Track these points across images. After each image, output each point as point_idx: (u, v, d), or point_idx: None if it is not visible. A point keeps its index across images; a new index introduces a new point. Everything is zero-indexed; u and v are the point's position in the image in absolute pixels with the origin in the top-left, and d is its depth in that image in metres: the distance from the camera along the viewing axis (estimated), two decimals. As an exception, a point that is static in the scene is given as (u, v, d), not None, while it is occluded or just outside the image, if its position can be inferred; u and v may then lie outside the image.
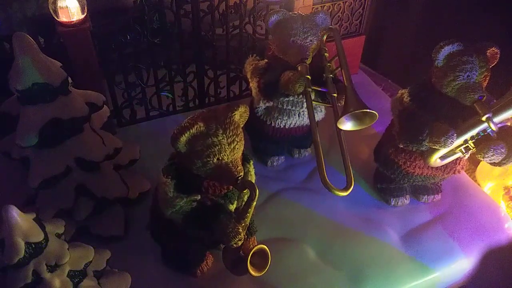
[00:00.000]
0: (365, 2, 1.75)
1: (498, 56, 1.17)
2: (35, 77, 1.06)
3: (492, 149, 1.08)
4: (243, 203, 1.04)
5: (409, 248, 1.29)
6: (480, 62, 1.12)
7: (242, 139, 0.97)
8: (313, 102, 1.23)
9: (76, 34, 1.38)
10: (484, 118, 1.08)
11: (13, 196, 1.27)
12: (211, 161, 0.93)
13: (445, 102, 1.17)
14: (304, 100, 1.30)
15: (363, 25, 1.82)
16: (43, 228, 0.89)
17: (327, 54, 1.31)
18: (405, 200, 1.41)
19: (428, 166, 1.25)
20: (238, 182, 0.95)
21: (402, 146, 1.27)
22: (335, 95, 1.21)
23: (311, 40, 1.28)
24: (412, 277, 1.24)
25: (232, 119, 0.95)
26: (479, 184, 1.55)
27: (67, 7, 1.35)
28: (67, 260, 0.91)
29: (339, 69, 1.23)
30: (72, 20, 1.37)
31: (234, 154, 0.94)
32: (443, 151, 1.17)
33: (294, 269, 1.23)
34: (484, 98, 1.10)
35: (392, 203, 1.40)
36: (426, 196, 1.41)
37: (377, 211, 1.40)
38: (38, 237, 0.87)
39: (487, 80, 1.15)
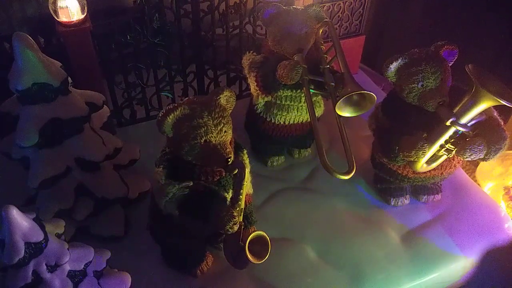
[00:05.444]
0: (365, 2, 1.75)
1: (456, 51, 1.16)
2: (35, 77, 1.06)
3: (468, 150, 1.08)
4: (235, 186, 1.03)
5: (409, 248, 1.29)
6: (431, 68, 1.12)
7: (230, 123, 0.97)
8: (310, 90, 1.24)
9: (76, 34, 1.38)
10: (448, 123, 1.09)
11: (13, 196, 1.27)
12: (198, 143, 0.93)
13: (415, 111, 1.17)
14: (303, 95, 1.31)
15: (363, 25, 1.82)
16: (43, 228, 0.89)
17: (323, 47, 1.32)
18: (405, 200, 1.41)
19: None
20: (229, 163, 0.95)
21: (385, 161, 1.28)
22: (332, 84, 1.22)
23: (306, 32, 1.29)
24: (412, 277, 1.24)
25: (217, 102, 0.96)
26: (479, 184, 1.55)
27: (67, 7, 1.35)
28: (67, 260, 0.91)
29: (335, 58, 1.24)
30: (72, 20, 1.37)
31: (222, 137, 0.95)
32: (424, 158, 1.16)
33: (294, 269, 1.23)
34: (446, 102, 1.10)
35: (392, 203, 1.40)
36: (426, 196, 1.41)
37: (377, 211, 1.40)
38: (38, 237, 0.87)
39: (447, 81, 1.14)
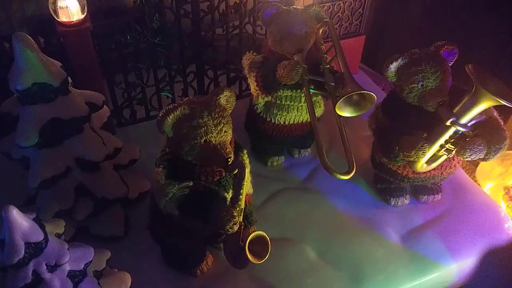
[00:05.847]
0: (365, 2, 1.75)
1: (456, 51, 1.16)
2: (35, 77, 1.06)
3: (468, 150, 1.08)
4: (235, 186, 1.03)
5: (409, 248, 1.29)
6: (431, 68, 1.11)
7: (230, 123, 0.97)
8: (311, 90, 1.24)
9: (76, 34, 1.38)
10: (448, 123, 1.09)
11: (13, 196, 1.27)
12: (198, 143, 0.93)
13: (415, 111, 1.17)
14: (303, 95, 1.31)
15: (363, 25, 1.82)
16: (43, 228, 0.89)
17: (323, 47, 1.32)
18: (405, 200, 1.41)
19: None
20: (229, 163, 0.95)
21: (385, 161, 1.28)
22: (332, 84, 1.22)
23: (306, 32, 1.29)
24: (412, 277, 1.24)
25: (217, 102, 0.96)
26: (479, 184, 1.55)
27: (67, 7, 1.35)
28: (67, 260, 0.91)
29: (335, 58, 1.25)
30: (72, 20, 1.37)
31: (222, 137, 0.95)
32: (424, 158, 1.16)
33: (293, 269, 1.23)
34: (446, 102, 1.10)
35: (392, 203, 1.40)
36: (426, 196, 1.41)
37: (377, 211, 1.40)
38: (38, 237, 0.87)
39: (447, 81, 1.14)
